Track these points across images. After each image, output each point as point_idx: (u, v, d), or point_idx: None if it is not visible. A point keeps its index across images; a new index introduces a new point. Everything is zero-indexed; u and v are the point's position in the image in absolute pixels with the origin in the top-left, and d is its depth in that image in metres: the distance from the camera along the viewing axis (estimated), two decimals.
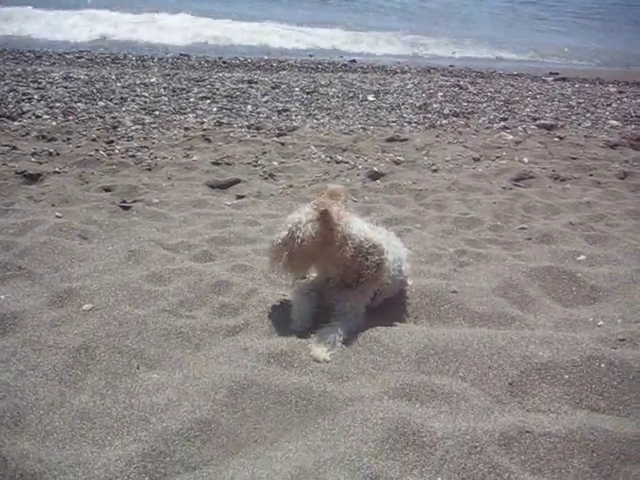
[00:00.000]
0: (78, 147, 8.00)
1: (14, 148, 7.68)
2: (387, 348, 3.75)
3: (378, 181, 7.76)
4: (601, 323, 4.28)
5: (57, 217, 5.61)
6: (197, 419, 3.06)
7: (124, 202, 6.17)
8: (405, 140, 9.72)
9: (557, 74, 18.99)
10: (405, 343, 3.77)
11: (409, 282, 4.62)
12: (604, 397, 3.42)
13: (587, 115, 12.83)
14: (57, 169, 7.12)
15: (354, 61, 17.98)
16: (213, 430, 3.04)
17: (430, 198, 7.14)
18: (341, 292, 3.95)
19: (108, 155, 7.82)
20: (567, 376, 3.52)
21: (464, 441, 2.96)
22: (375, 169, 8.04)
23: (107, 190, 6.65)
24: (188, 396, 3.24)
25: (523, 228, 6.30)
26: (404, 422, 3.06)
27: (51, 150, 7.73)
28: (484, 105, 12.88)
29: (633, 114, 13.23)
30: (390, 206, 6.76)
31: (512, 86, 15.37)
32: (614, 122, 12.44)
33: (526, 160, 9.07)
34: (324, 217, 3.73)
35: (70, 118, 9.35)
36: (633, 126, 12.14)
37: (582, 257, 5.46)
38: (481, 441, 2.97)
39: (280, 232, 3.90)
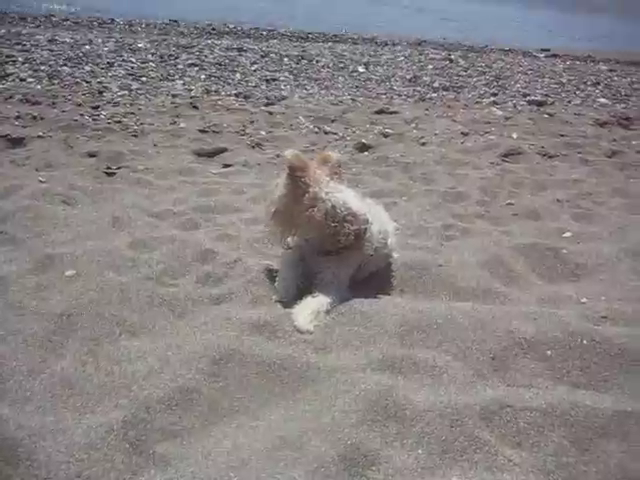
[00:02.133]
0: (63, 112, 7.90)
1: None
2: (371, 320, 3.73)
3: (366, 153, 7.73)
4: (584, 300, 4.29)
5: (40, 182, 5.54)
6: (179, 387, 3.04)
7: (109, 168, 6.11)
8: (394, 113, 9.67)
9: (548, 50, 18.93)
10: (389, 316, 3.76)
11: (394, 255, 4.60)
12: (585, 373, 3.43)
13: (577, 93, 12.83)
14: (41, 133, 7.03)
15: (345, 31, 17.81)
16: (194, 399, 3.01)
17: (418, 171, 7.12)
18: (323, 260, 3.91)
19: (94, 120, 7.72)
20: (549, 352, 3.53)
21: (445, 414, 2.96)
22: (363, 141, 8.00)
23: (92, 156, 6.57)
24: (170, 364, 3.21)
25: (510, 204, 6.30)
26: (386, 394, 3.05)
27: (35, 114, 7.62)
28: (474, 80, 12.83)
29: (622, 93, 13.25)
30: (377, 178, 6.73)
31: (503, 61, 15.31)
32: (603, 100, 12.44)
33: (515, 136, 9.06)
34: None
35: (55, 82, 9.22)
36: (622, 105, 12.15)
37: (568, 234, 5.47)
38: (462, 414, 2.97)
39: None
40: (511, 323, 3.72)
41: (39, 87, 8.86)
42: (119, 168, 6.21)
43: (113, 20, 15.07)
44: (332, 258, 3.92)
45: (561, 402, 3.09)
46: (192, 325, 3.62)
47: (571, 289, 4.52)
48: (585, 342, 3.57)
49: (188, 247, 4.43)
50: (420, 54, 14.88)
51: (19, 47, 10.76)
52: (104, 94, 8.86)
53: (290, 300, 3.81)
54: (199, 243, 4.49)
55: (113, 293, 3.82)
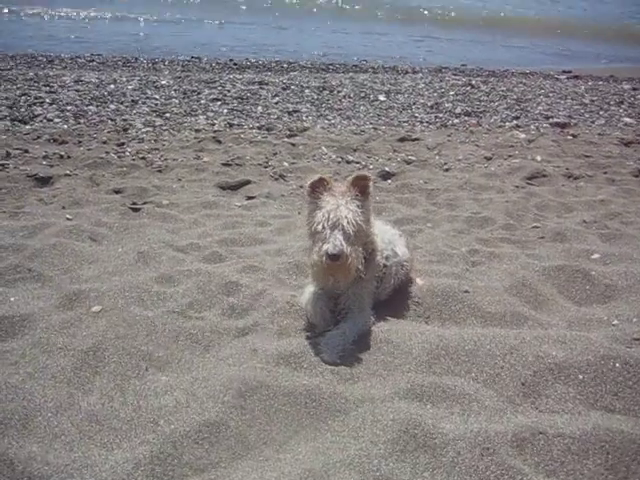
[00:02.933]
0: (89, 150, 8.02)
1: (25, 151, 7.70)
2: (397, 348, 3.71)
3: (389, 181, 7.73)
4: (615, 322, 4.21)
5: (67, 219, 5.61)
6: (205, 421, 3.03)
7: (134, 204, 6.17)
8: (417, 140, 9.67)
9: (570, 72, 18.85)
10: (416, 343, 3.73)
11: (419, 282, 4.57)
12: (619, 397, 3.36)
13: (600, 113, 12.73)
14: (68, 172, 7.13)
15: (365, 61, 17.93)
16: (221, 432, 3.00)
17: (442, 197, 7.09)
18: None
19: (119, 157, 7.82)
20: (581, 376, 3.46)
21: (476, 442, 2.91)
22: (386, 169, 8.01)
23: (117, 192, 6.65)
24: (196, 398, 3.21)
25: (536, 227, 6.24)
26: (415, 423, 3.01)
27: (62, 153, 7.74)
28: (496, 104, 12.81)
29: None
30: (401, 206, 6.72)
31: (524, 84, 15.27)
32: (628, 119, 12.33)
33: (539, 158, 9.00)
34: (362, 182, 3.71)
35: (81, 121, 9.38)
36: None
37: (596, 255, 5.39)
38: (493, 442, 2.92)
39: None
40: (541, 348, 3.67)
41: (66, 127, 9.02)
42: (144, 203, 6.27)
43: (137, 59, 15.32)
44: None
45: (595, 428, 3.02)
46: (218, 358, 3.62)
47: (601, 311, 4.44)
48: (618, 365, 3.50)
49: (213, 280, 4.44)
50: (441, 80, 14.89)
51: (47, 89, 10.97)
52: (129, 131, 8.99)
53: (328, 328, 3.80)
54: (224, 276, 4.50)
55: (139, 328, 3.84)
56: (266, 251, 5.14)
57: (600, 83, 16.71)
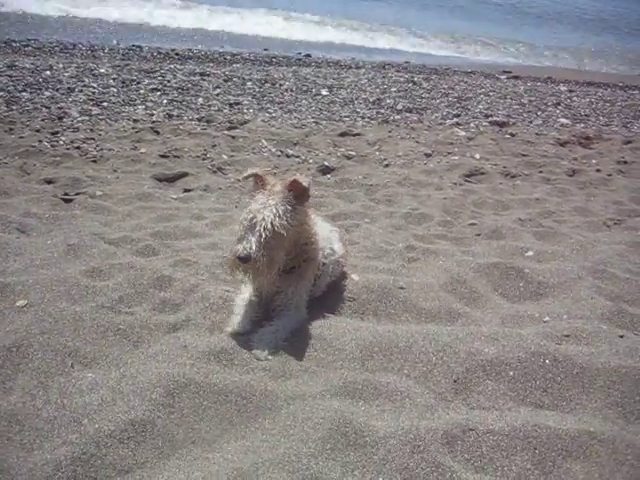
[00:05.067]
0: (21, 137, 7.74)
1: None
2: (331, 345, 3.68)
3: (329, 175, 7.70)
4: (547, 319, 4.28)
5: None
6: (131, 420, 2.93)
7: (66, 194, 5.98)
8: (357, 135, 9.68)
9: (510, 72, 19.20)
10: (349, 340, 3.70)
11: (355, 277, 4.55)
12: (548, 393, 3.42)
13: (538, 113, 13.00)
14: None
15: (309, 55, 17.88)
16: (148, 431, 2.92)
17: (380, 193, 7.10)
18: (281, 279, 3.82)
19: (52, 146, 7.58)
20: (512, 372, 3.50)
21: (407, 440, 2.91)
22: (326, 163, 7.98)
23: (49, 182, 6.43)
24: (123, 396, 3.11)
25: (473, 224, 6.31)
26: (346, 421, 2.99)
27: None
28: (437, 101, 12.93)
29: (582, 113, 13.45)
30: (340, 201, 6.70)
31: (466, 83, 15.46)
32: (564, 120, 12.61)
33: (478, 156, 9.12)
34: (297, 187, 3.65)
35: (14, 108, 9.04)
36: (582, 124, 12.34)
37: (530, 253, 5.48)
38: (424, 440, 2.92)
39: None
40: (473, 344, 3.69)
41: None
42: (77, 194, 6.08)
43: (75, 45, 14.90)
44: (289, 276, 3.85)
45: (524, 424, 3.05)
46: (147, 354, 3.51)
47: (534, 308, 4.52)
48: (547, 362, 3.55)
49: (145, 274, 4.32)
50: (383, 77, 14.95)
51: None
52: (64, 120, 8.71)
53: (244, 332, 3.72)
54: (156, 270, 4.38)
55: (66, 323, 3.70)
56: (201, 245, 5.04)
57: (538, 84, 17.08)
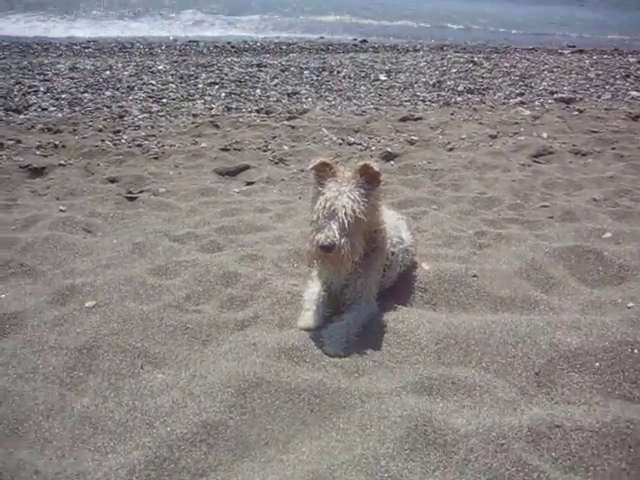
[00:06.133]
0: (84, 138, 7.84)
1: (18, 142, 7.53)
2: (404, 338, 3.54)
3: (392, 162, 7.53)
4: (631, 305, 4.03)
5: (61, 211, 5.45)
6: (203, 422, 2.87)
7: (130, 193, 6.00)
8: (419, 119, 9.47)
9: (574, 47, 18.57)
10: (424, 333, 3.56)
11: (425, 266, 4.40)
12: (638, 385, 3.19)
13: (606, 87, 12.49)
14: (62, 162, 6.97)
15: (365, 41, 17.65)
16: (220, 433, 2.85)
17: (446, 178, 6.90)
18: (350, 271, 3.67)
19: (114, 145, 7.65)
20: (597, 364, 3.29)
21: (489, 438, 2.76)
22: (389, 150, 7.82)
23: (113, 181, 6.48)
24: (194, 397, 3.05)
25: (544, 206, 6.06)
26: (424, 419, 2.85)
27: (56, 142, 7.57)
28: (499, 81, 12.57)
29: None
30: (405, 187, 6.53)
31: (528, 60, 15.01)
32: (635, 93, 12.09)
33: (545, 135, 8.80)
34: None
35: (76, 109, 9.20)
36: None
37: (608, 235, 5.21)
38: (508, 438, 2.76)
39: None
40: (554, 334, 3.50)
41: (60, 115, 8.84)
42: (140, 192, 6.10)
43: (133, 45, 15.08)
44: (358, 267, 3.69)
45: (615, 420, 2.85)
46: (216, 353, 3.46)
47: (616, 293, 4.26)
48: (636, 351, 3.33)
49: (211, 270, 4.27)
50: (442, 58, 14.63)
51: (41, 77, 10.77)
52: (125, 118, 8.80)
53: (316, 329, 3.61)
54: (222, 266, 4.33)
55: (134, 323, 3.68)
56: (266, 239, 4.97)
57: (605, 57, 16.44)
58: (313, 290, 3.82)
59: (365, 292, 3.78)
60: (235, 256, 4.58)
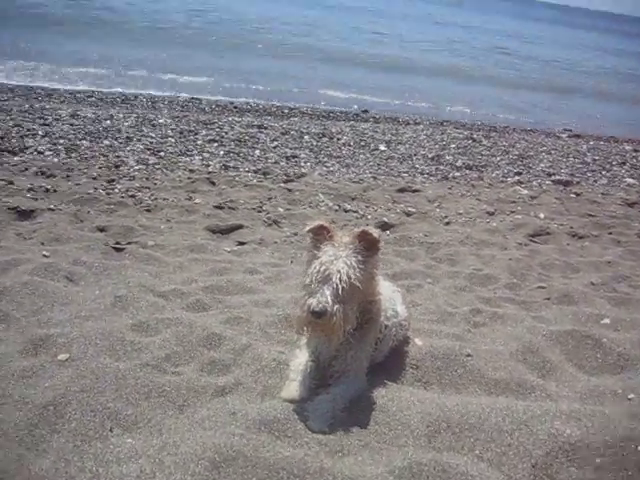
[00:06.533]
0: (77, 185, 7.70)
1: (10, 183, 7.38)
2: (394, 418, 3.33)
3: (388, 232, 7.41)
4: (632, 396, 3.84)
5: (44, 256, 5.26)
6: None
7: (118, 243, 5.83)
8: (417, 191, 9.42)
9: (570, 130, 18.82)
10: (414, 413, 3.35)
11: (418, 342, 4.22)
12: None
13: (603, 172, 12.56)
14: (52, 206, 6.80)
15: (366, 111, 17.83)
16: None
17: (442, 252, 6.77)
18: (341, 342, 3.47)
19: (107, 194, 7.51)
20: (598, 460, 3.08)
21: None
22: (385, 219, 7.71)
23: (102, 230, 6.31)
24: (164, 467, 2.81)
25: (541, 287, 5.92)
26: None
27: (48, 187, 7.42)
28: (498, 159, 12.61)
29: None
30: (400, 259, 6.40)
31: (526, 141, 15.13)
32: (631, 180, 12.15)
33: (542, 216, 8.74)
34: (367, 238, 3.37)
35: (73, 155, 9.09)
36: None
37: (606, 320, 5.06)
38: None
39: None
40: (553, 424, 3.30)
41: (56, 160, 8.72)
42: (129, 244, 5.93)
43: (136, 97, 15.15)
44: (348, 340, 3.49)
45: None
46: (192, 420, 3.23)
47: (615, 383, 4.08)
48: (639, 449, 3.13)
49: (194, 331, 4.07)
50: (442, 133, 14.73)
51: (41, 121, 10.70)
52: (120, 168, 8.69)
53: (300, 400, 3.39)
54: (206, 327, 4.13)
55: (108, 381, 3.46)
56: (254, 301, 4.78)
57: (601, 143, 16.62)
58: (300, 360, 3.62)
59: (355, 365, 3.58)
60: (221, 317, 4.39)
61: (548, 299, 5.62)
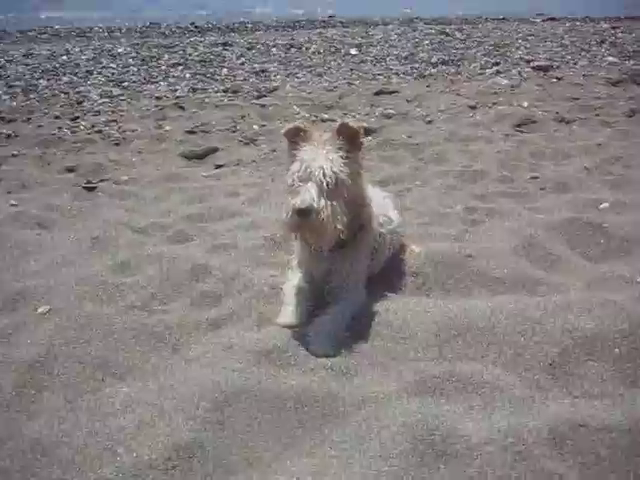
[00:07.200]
0: (39, 127, 7.34)
1: None
2: (400, 332, 3.15)
3: (369, 137, 7.13)
4: None
5: (12, 205, 4.99)
6: (175, 444, 2.45)
7: (89, 182, 5.56)
8: (394, 92, 9.09)
9: (543, 14, 18.28)
10: (420, 324, 3.17)
11: (415, 248, 4.01)
12: None
13: (582, 54, 12.24)
14: (15, 152, 6.47)
15: (332, 16, 17.16)
16: (196, 456, 2.43)
17: (428, 152, 6.53)
18: (333, 255, 3.30)
19: (72, 133, 7.16)
20: (617, 350, 2.94)
21: (505, 445, 2.37)
22: (365, 124, 7.40)
23: (70, 170, 6.01)
24: (164, 413, 2.62)
25: (534, 177, 5.73)
26: (430, 427, 2.46)
27: (9, 132, 7.07)
28: (473, 51, 12.23)
29: (630, 49, 12.61)
30: (385, 164, 6.16)
31: (500, 29, 14.69)
32: (612, 58, 11.84)
33: (525, 104, 8.48)
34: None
35: (31, 97, 8.67)
36: (632, 61, 11.52)
37: (605, 205, 4.92)
38: (527, 443, 2.38)
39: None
40: (565, 318, 3.13)
41: (14, 104, 8.29)
42: (100, 181, 5.66)
43: (91, 29, 14.46)
44: (343, 251, 3.31)
45: None
46: (188, 359, 3.04)
47: (621, 267, 3.94)
48: None
49: (179, 264, 3.85)
50: (414, 31, 14.26)
51: None
52: (83, 104, 8.30)
53: (299, 325, 3.21)
54: (191, 258, 3.91)
55: (94, 329, 3.25)
56: (238, 226, 4.56)
57: (577, 24, 16.16)
58: (294, 281, 3.42)
59: (352, 278, 3.38)
60: (205, 247, 4.17)
61: (543, 189, 5.44)
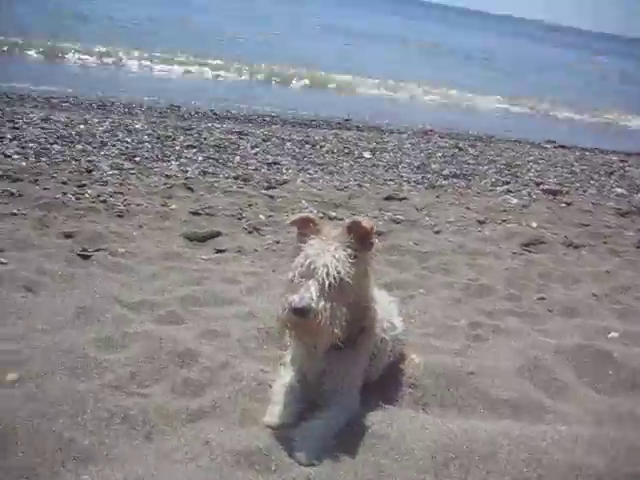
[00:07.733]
0: (45, 189, 7.22)
1: None
2: (393, 447, 2.90)
3: (376, 240, 7.00)
4: None
5: (1, 263, 4.79)
6: None
7: (84, 250, 5.37)
8: (404, 199, 9.04)
9: (554, 142, 18.60)
10: (417, 441, 2.93)
11: (415, 359, 3.80)
12: None
13: (591, 182, 12.31)
14: (15, 211, 6.31)
15: (349, 120, 17.47)
16: None
17: (435, 261, 6.38)
18: (329, 356, 3.07)
19: (77, 199, 7.03)
20: None
21: None
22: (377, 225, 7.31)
23: (68, 236, 5.83)
24: None
25: (542, 298, 5.56)
26: None
27: (13, 191, 6.92)
28: (485, 167, 12.30)
29: (638, 183, 12.73)
30: (391, 268, 6.00)
31: (512, 150, 14.87)
32: (620, 190, 11.90)
33: (534, 225, 8.40)
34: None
35: (42, 159, 8.59)
36: None
37: (614, 334, 4.74)
38: None
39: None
40: (574, 453, 2.89)
41: (24, 164, 8.22)
42: (97, 250, 5.48)
43: (113, 103, 14.66)
44: (340, 353, 3.08)
45: None
46: (161, 452, 2.78)
47: (632, 403, 3.72)
48: None
49: (165, 346, 3.61)
50: (427, 142, 14.43)
51: (10, 125, 10.21)
52: (93, 172, 8.22)
53: (286, 426, 2.95)
54: (179, 341, 3.68)
55: (63, 405, 3.01)
56: (233, 313, 4.35)
57: (587, 154, 16.39)
58: (285, 379, 3.19)
59: (347, 382, 3.16)
60: (196, 331, 3.95)
61: (551, 311, 5.27)
